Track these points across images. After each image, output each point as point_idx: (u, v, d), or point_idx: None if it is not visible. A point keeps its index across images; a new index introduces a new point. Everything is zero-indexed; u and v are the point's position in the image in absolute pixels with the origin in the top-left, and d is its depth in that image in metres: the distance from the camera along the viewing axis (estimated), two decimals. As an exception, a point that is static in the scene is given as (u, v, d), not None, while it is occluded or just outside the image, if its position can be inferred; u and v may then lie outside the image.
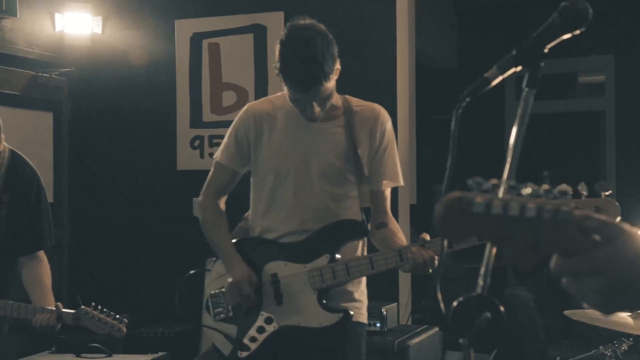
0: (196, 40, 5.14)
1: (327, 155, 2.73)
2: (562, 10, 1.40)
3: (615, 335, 3.09)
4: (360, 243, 2.81)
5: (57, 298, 3.28)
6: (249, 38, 4.99)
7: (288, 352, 2.74)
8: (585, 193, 2.18)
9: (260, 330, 2.72)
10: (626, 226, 0.99)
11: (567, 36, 1.41)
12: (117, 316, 2.97)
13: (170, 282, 3.00)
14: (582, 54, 6.69)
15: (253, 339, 2.72)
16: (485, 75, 1.45)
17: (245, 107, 2.84)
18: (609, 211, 2.15)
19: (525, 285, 5.40)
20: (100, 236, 5.40)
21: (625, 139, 6.65)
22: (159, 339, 4.56)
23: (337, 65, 2.64)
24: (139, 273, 5.25)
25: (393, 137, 2.81)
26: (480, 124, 6.30)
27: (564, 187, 1.00)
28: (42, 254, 3.07)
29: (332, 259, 2.68)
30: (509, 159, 1.36)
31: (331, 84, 2.64)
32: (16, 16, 4.86)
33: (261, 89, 4.92)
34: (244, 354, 2.70)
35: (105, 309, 2.97)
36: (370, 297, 2.92)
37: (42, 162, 5.19)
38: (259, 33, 4.96)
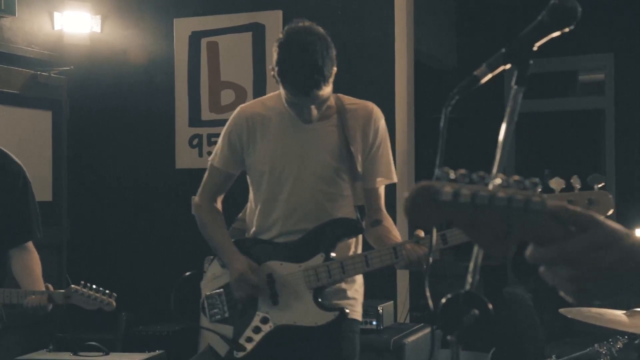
0: (195, 39, 5.14)
1: (321, 154, 2.73)
2: (551, 8, 1.40)
3: (613, 333, 3.10)
4: (354, 241, 2.82)
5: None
6: (248, 37, 5.00)
7: (284, 352, 2.75)
8: (578, 186, 2.18)
9: (257, 330, 2.73)
10: (600, 217, 1.01)
11: (556, 34, 1.41)
12: (107, 291, 3.04)
13: (169, 280, 3.01)
14: (582, 52, 6.69)
15: (249, 339, 2.73)
16: (475, 73, 1.45)
17: (237, 110, 2.85)
18: (602, 203, 2.16)
19: (524, 284, 5.40)
20: (99, 235, 5.41)
21: (625, 137, 6.64)
22: (156, 338, 4.57)
23: (335, 68, 2.65)
24: (137, 271, 5.26)
25: (386, 135, 2.82)
26: (481, 122, 6.30)
27: (534, 179, 1.01)
28: (30, 245, 3.13)
29: (327, 258, 2.69)
30: (497, 156, 1.36)
31: (329, 87, 2.64)
32: (15, 15, 4.87)
33: (259, 88, 4.92)
34: (241, 354, 2.71)
35: (94, 286, 3.03)
36: (366, 295, 2.93)
37: (41, 160, 5.21)
38: (258, 32, 4.96)
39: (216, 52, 5.09)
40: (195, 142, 5.15)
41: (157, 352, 4.28)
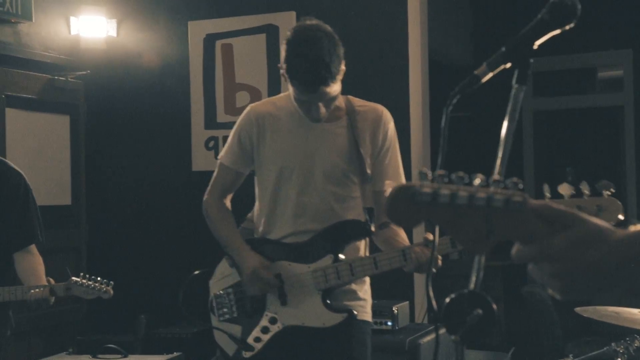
0: (209, 41, 5.16)
1: (331, 156, 2.73)
2: (551, 6, 1.39)
3: (630, 332, 3.07)
4: (363, 243, 2.81)
5: (75, 299, 3.38)
6: (262, 38, 5.01)
7: (292, 353, 2.75)
8: (587, 192, 2.16)
9: (265, 330, 2.73)
10: (584, 215, 1.01)
11: (556, 32, 1.40)
12: (105, 280, 3.16)
13: (184, 280, 3.03)
14: (601, 48, 6.63)
15: (257, 339, 2.73)
16: (475, 72, 1.44)
17: (247, 109, 2.86)
18: (611, 210, 2.14)
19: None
20: (117, 237, 5.45)
21: (644, 134, 6.58)
22: (175, 340, 4.58)
23: (343, 66, 2.65)
24: (155, 274, 5.29)
25: (396, 138, 2.82)
26: (492, 122, 6.26)
27: (514, 178, 1.02)
28: (33, 248, 3.24)
29: (336, 259, 2.69)
30: (499, 155, 1.36)
31: (337, 84, 2.64)
32: (32, 20, 4.92)
33: (274, 89, 4.93)
34: (249, 354, 2.71)
35: (93, 276, 3.16)
36: (382, 295, 2.93)
37: (59, 164, 5.25)
38: (271, 33, 4.97)
39: (230, 54, 5.11)
40: (211, 144, 5.17)
41: (176, 354, 4.30)
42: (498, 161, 1.40)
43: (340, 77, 2.64)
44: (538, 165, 6.99)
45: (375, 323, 2.95)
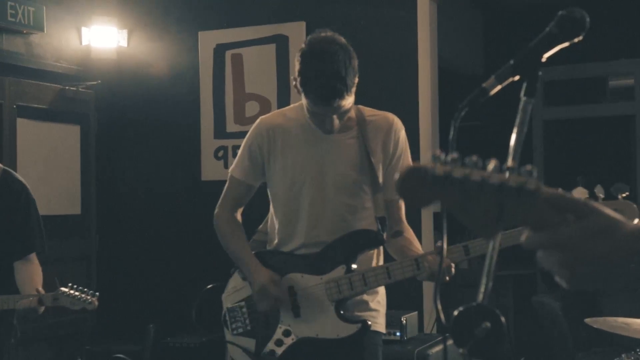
0: (219, 51, 5.18)
1: (342, 166, 2.73)
2: (560, 19, 1.38)
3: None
4: (375, 252, 2.81)
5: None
6: (271, 48, 5.02)
7: (307, 364, 2.74)
8: (602, 196, 2.15)
9: (279, 343, 2.72)
10: (597, 205, 1.01)
11: (565, 45, 1.39)
12: (91, 291, 3.14)
13: (196, 292, 3.03)
14: (612, 57, 6.61)
15: (272, 352, 2.72)
16: (483, 85, 1.44)
17: (257, 121, 2.85)
18: (627, 213, 2.13)
19: (553, 293, 5.34)
20: (126, 246, 5.46)
21: (655, 143, 6.54)
22: (184, 349, 4.59)
23: (356, 79, 2.64)
24: (165, 283, 5.30)
25: (407, 146, 2.81)
26: (503, 131, 6.24)
27: (528, 166, 1.01)
28: (34, 257, 3.26)
29: (349, 270, 2.68)
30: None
31: (351, 97, 2.64)
32: (44, 31, 4.95)
33: (284, 99, 4.94)
34: (263, 367, 2.71)
35: (80, 287, 3.15)
36: (391, 305, 2.91)
37: (69, 174, 5.28)
38: (281, 43, 4.99)
39: (240, 64, 5.13)
40: (220, 154, 5.18)
41: (184, 363, 4.30)
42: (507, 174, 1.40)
43: (354, 89, 2.64)
44: (548, 174, 6.96)
45: (384, 333, 2.93)
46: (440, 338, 4.16)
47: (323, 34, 2.66)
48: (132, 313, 5.30)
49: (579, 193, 2.06)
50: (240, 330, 2.80)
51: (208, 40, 5.22)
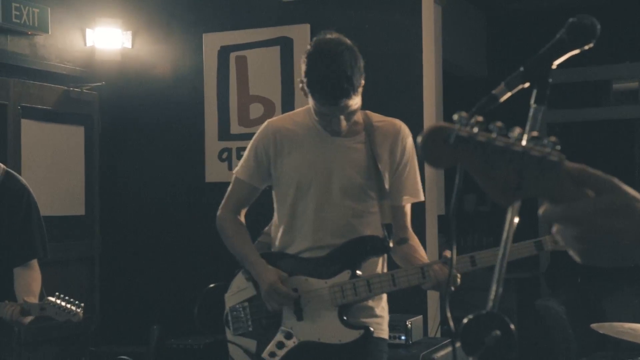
0: (224, 53, 5.18)
1: (348, 171, 2.72)
2: (570, 26, 1.38)
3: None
4: (381, 259, 2.80)
5: (89, 309, 3.35)
6: (276, 50, 5.02)
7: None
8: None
9: (280, 345, 2.71)
10: (619, 183, 1.00)
11: (575, 52, 1.39)
12: (77, 302, 3.08)
13: (200, 293, 3.03)
14: (616, 61, 6.61)
15: (272, 354, 2.71)
16: (493, 92, 1.43)
17: (264, 124, 2.85)
18: None
19: (557, 296, 5.33)
20: (130, 248, 5.46)
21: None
22: (188, 351, 4.58)
23: (362, 80, 2.64)
24: (168, 284, 5.29)
25: (414, 153, 2.80)
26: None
27: (553, 138, 1.00)
28: (34, 262, 3.19)
29: (354, 275, 2.68)
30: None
31: (358, 97, 2.63)
32: (48, 32, 4.95)
33: (288, 101, 4.94)
34: (263, 369, 2.70)
35: (66, 297, 3.08)
36: (395, 309, 2.91)
37: (74, 175, 5.28)
38: (286, 45, 4.98)
39: (245, 66, 5.12)
40: (224, 155, 5.18)
41: (188, 365, 4.30)
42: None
43: (360, 90, 2.64)
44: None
45: (389, 337, 2.92)
46: (445, 342, 4.16)
47: (329, 36, 2.67)
48: (136, 314, 5.29)
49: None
50: (242, 330, 2.79)
51: (212, 42, 5.21)
